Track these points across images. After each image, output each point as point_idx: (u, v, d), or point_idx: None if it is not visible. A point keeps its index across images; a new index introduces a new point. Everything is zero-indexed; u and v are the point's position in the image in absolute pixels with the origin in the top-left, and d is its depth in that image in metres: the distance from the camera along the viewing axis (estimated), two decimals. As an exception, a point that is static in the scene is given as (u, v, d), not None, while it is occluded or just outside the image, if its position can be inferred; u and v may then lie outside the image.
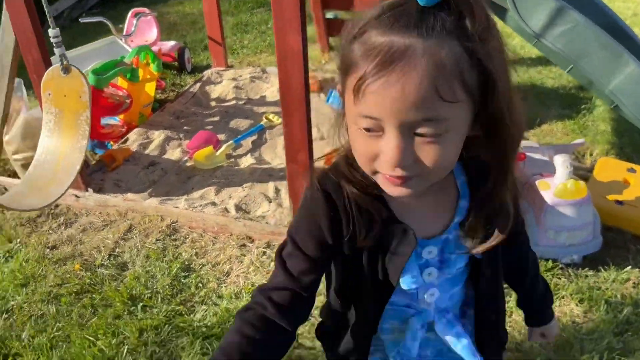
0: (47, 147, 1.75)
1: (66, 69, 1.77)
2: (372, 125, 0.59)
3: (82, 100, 1.68)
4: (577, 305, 1.79)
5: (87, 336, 1.78)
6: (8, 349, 1.77)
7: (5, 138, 2.51)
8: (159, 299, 1.92)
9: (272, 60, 3.96)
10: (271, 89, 3.35)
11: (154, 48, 3.28)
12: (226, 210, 2.34)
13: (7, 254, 2.22)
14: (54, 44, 1.83)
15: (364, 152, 0.63)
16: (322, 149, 2.99)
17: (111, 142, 2.87)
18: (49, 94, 1.75)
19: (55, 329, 1.83)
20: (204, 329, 1.79)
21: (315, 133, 2.35)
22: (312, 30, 3.84)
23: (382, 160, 0.61)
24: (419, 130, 0.57)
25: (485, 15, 0.57)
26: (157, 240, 2.23)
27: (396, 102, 0.55)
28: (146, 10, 3.64)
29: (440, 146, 0.59)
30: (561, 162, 1.84)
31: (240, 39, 4.52)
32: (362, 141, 0.62)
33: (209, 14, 3.52)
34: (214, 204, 2.39)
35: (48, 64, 2.08)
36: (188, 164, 2.68)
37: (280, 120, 2.98)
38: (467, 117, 0.61)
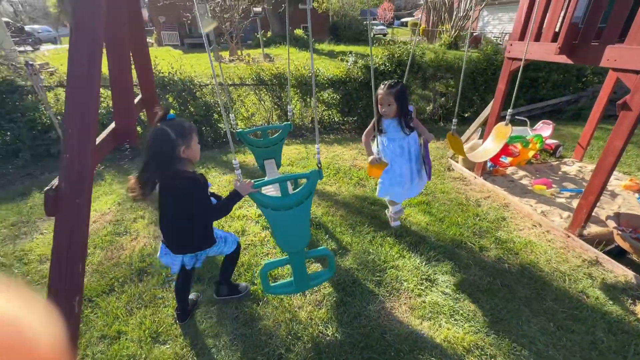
0: (484, 147, 4.59)
1: (507, 123, 4.57)
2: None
3: (504, 137, 4.43)
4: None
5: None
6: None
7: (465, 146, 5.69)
8: (485, 219, 4.55)
9: (615, 172, 5.93)
10: (599, 180, 5.41)
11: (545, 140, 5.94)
12: (535, 210, 4.73)
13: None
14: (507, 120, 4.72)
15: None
16: (611, 211, 5.32)
17: (497, 165, 5.69)
18: (494, 133, 4.59)
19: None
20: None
21: (615, 208, 4.41)
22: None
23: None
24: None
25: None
26: (497, 205, 4.83)
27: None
28: (550, 122, 6.37)
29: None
30: None
31: (598, 151, 6.62)
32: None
33: (585, 133, 5.86)
34: (530, 205, 4.82)
35: (502, 119, 5.03)
36: (529, 188, 5.18)
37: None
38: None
